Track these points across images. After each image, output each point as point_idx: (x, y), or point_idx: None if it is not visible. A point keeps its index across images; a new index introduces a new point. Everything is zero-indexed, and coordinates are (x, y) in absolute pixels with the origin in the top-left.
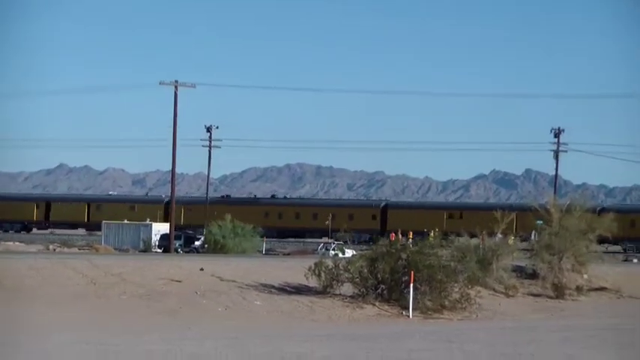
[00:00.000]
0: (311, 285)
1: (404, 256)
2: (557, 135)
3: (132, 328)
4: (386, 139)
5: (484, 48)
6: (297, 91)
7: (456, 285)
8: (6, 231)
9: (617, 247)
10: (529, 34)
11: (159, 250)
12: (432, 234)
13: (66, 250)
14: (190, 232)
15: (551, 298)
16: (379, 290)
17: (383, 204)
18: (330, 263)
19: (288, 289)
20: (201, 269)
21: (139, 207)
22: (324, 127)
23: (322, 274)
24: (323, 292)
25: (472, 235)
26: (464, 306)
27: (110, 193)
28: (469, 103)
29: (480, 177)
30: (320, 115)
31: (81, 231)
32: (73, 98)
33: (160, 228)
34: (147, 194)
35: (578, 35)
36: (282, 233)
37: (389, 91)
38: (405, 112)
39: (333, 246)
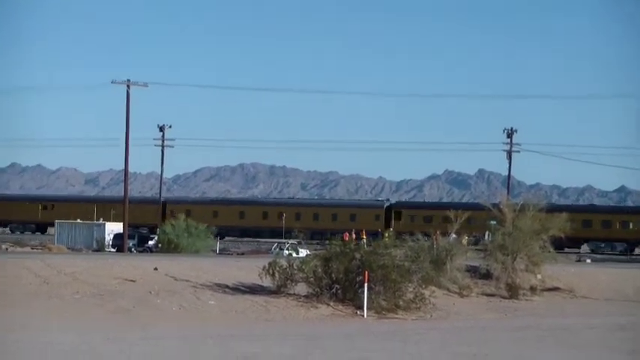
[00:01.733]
0: (265, 285)
1: (358, 256)
2: (509, 135)
3: (84, 327)
4: (339, 139)
5: (438, 48)
6: (250, 91)
7: (410, 285)
8: None
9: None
10: (482, 34)
11: (112, 250)
12: (386, 234)
13: (19, 249)
14: (144, 231)
15: (504, 298)
16: (333, 290)
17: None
18: (284, 263)
19: (242, 288)
20: (155, 269)
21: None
22: (278, 126)
23: (276, 274)
24: (277, 291)
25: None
26: (418, 306)
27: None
28: (422, 103)
29: (434, 177)
30: (274, 114)
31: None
32: (25, 96)
33: (114, 227)
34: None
35: (531, 36)
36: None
37: (344, 92)
38: (358, 112)
39: (287, 246)
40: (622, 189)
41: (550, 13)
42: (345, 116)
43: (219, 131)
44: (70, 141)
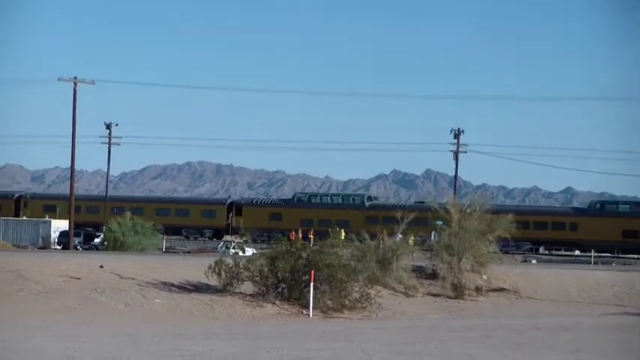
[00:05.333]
0: (211, 283)
1: (304, 255)
2: (457, 136)
3: (28, 324)
4: (286, 138)
5: (386, 49)
6: (198, 89)
7: (356, 284)
8: None
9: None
10: (430, 35)
11: (58, 247)
12: (332, 233)
13: None
14: (90, 229)
15: (450, 298)
16: (279, 289)
17: None
18: (230, 261)
19: (188, 287)
20: (101, 266)
21: None
22: (225, 125)
23: (222, 273)
24: (223, 290)
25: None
26: (364, 305)
27: None
28: (370, 103)
29: (381, 177)
30: (221, 113)
31: None
32: None
33: (59, 225)
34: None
35: (480, 36)
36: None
37: (290, 90)
38: (306, 112)
39: (233, 244)
40: (568, 190)
41: (501, 14)
42: (293, 115)
43: (166, 129)
44: (16, 138)
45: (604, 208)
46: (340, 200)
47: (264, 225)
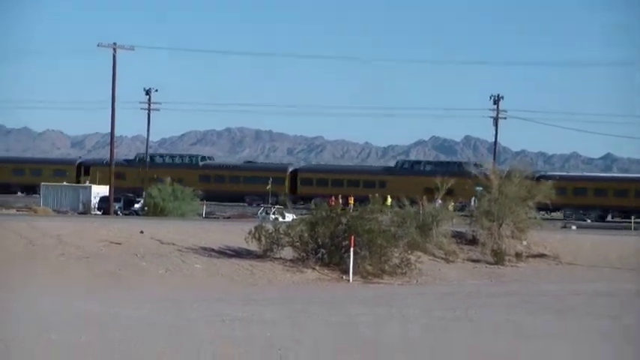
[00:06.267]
0: (251, 249)
1: (344, 220)
2: (496, 102)
3: (69, 289)
4: (326, 104)
5: (424, 14)
6: (238, 55)
7: (396, 250)
8: None
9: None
10: (472, 1)
11: (98, 213)
12: (372, 199)
13: (4, 211)
14: (130, 194)
15: (490, 264)
16: (319, 254)
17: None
18: (270, 227)
19: (228, 252)
20: (141, 232)
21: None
22: (264, 91)
23: (262, 238)
24: (263, 255)
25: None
26: (404, 271)
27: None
28: (409, 69)
29: (420, 143)
30: (260, 79)
31: None
32: (12, 60)
33: (100, 190)
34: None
35: (519, 2)
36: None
37: (330, 57)
38: (345, 78)
39: (273, 210)
40: (608, 156)
41: None
42: (332, 81)
43: (205, 95)
44: (56, 104)
45: (412, 167)
46: (179, 160)
47: (108, 183)
